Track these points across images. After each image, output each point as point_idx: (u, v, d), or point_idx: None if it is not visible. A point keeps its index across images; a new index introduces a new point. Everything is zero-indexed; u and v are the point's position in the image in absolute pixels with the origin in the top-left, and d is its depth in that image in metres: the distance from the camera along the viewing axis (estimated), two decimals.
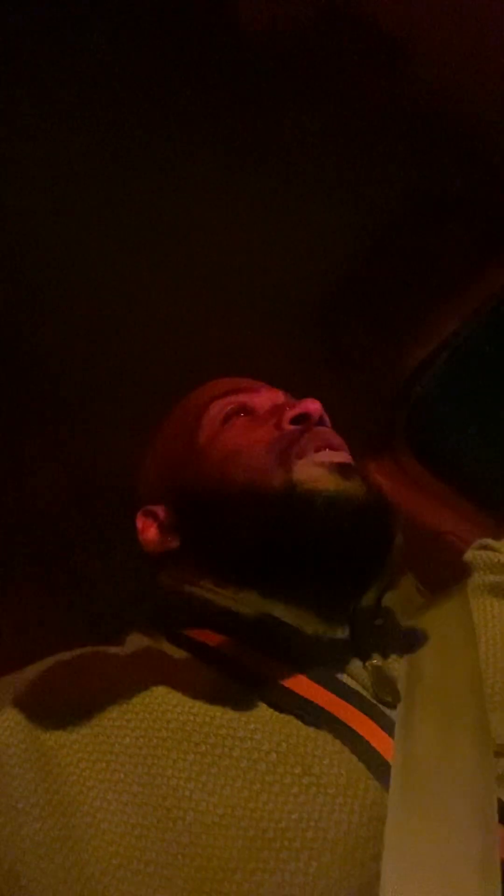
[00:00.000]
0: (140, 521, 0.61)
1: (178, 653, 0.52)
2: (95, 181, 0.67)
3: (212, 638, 0.52)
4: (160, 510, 0.61)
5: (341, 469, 0.56)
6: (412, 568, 0.61)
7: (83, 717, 0.47)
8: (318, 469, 0.55)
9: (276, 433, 0.58)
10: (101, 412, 0.76)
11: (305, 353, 0.86)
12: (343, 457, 0.57)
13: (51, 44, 0.59)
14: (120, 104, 0.63)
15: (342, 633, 0.53)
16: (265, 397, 0.63)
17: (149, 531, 0.60)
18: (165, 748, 0.45)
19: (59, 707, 0.47)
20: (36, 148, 0.64)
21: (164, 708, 0.47)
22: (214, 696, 0.48)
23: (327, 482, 0.55)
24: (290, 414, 0.59)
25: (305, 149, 0.71)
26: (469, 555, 0.63)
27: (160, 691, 0.49)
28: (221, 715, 0.47)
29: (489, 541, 0.64)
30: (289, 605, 0.53)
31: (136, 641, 0.54)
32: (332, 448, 0.58)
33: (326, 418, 0.62)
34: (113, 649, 0.54)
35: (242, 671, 0.50)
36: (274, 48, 0.62)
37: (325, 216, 0.76)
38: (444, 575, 0.61)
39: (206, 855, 0.41)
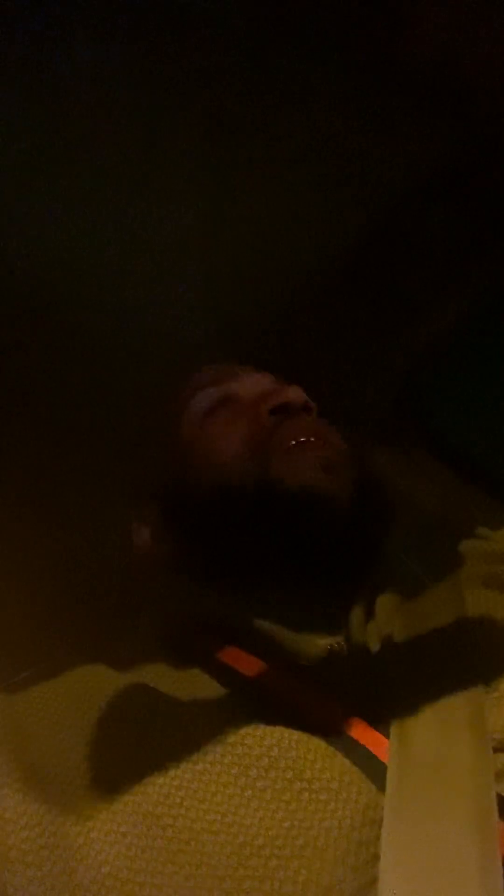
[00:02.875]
0: (134, 524, 0.61)
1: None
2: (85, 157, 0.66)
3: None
4: (153, 512, 0.60)
5: (323, 462, 0.54)
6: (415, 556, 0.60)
7: (72, 727, 0.46)
8: (297, 463, 0.53)
9: (254, 426, 0.56)
10: (93, 404, 0.75)
11: (308, 338, 0.85)
12: (325, 448, 0.55)
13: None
14: (112, 71, 0.61)
15: (337, 640, 0.52)
16: (249, 383, 0.61)
17: (142, 534, 0.60)
18: (156, 755, 0.45)
19: (48, 718, 0.47)
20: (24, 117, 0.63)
21: (154, 715, 0.47)
22: (205, 703, 0.48)
23: (306, 478, 0.53)
24: (269, 404, 0.56)
25: (304, 123, 0.69)
26: (464, 544, 0.61)
27: (152, 698, 0.48)
28: (212, 721, 0.46)
29: (485, 530, 0.62)
30: (277, 609, 0.52)
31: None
32: (315, 437, 0.55)
33: (312, 405, 0.59)
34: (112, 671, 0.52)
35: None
36: (274, 9, 0.60)
37: (325, 194, 0.74)
38: (444, 564, 0.60)
39: (195, 863, 0.40)
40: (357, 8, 0.60)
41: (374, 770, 0.44)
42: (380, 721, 0.46)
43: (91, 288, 0.70)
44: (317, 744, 0.45)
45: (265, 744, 0.45)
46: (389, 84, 0.65)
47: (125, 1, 0.59)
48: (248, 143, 0.69)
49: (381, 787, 0.43)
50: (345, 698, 0.47)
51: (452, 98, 0.66)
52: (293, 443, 0.55)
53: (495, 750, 0.46)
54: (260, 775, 0.43)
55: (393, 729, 0.46)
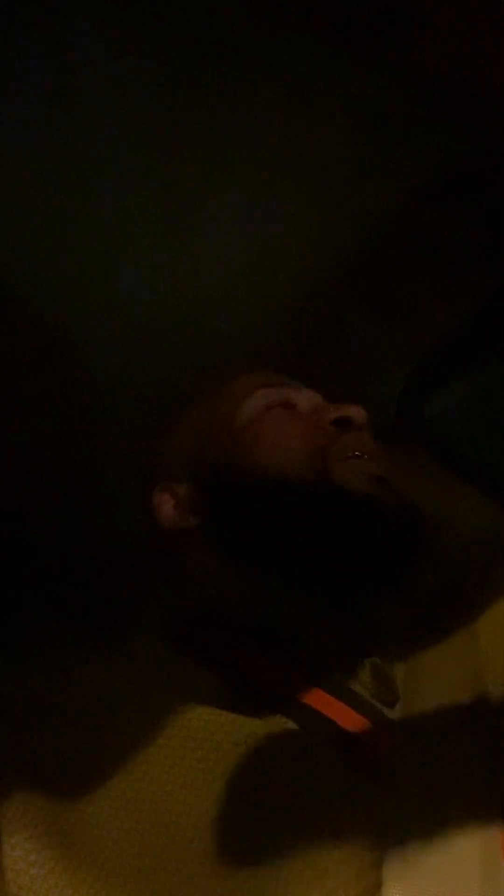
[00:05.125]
0: (157, 497, 0.60)
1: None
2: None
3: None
4: (181, 487, 0.59)
5: (378, 479, 0.55)
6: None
7: (79, 725, 0.46)
8: (355, 473, 0.55)
9: (315, 431, 0.58)
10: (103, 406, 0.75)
11: (312, 344, 0.85)
12: (381, 468, 0.56)
13: None
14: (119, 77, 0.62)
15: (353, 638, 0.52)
16: (307, 397, 0.63)
17: (166, 507, 0.59)
18: (161, 753, 0.45)
19: (56, 717, 0.47)
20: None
21: (162, 713, 0.47)
22: (214, 702, 0.48)
23: (367, 487, 0.54)
24: (333, 414, 0.58)
25: (311, 125, 0.69)
26: (470, 548, 0.61)
27: (163, 699, 0.48)
28: (217, 719, 0.46)
29: (490, 534, 0.63)
30: (303, 603, 0.53)
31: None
32: (372, 457, 0.57)
33: (367, 427, 0.60)
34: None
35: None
36: (284, 9, 0.60)
37: (328, 198, 0.75)
38: (454, 571, 0.60)
39: (198, 859, 0.40)
40: (370, 11, 0.60)
41: (377, 772, 0.44)
42: None
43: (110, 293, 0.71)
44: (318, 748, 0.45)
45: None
46: (400, 89, 0.65)
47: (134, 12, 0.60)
48: (251, 146, 0.69)
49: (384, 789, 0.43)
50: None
51: (466, 104, 0.66)
52: (354, 453, 0.56)
53: None
54: None
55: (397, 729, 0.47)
